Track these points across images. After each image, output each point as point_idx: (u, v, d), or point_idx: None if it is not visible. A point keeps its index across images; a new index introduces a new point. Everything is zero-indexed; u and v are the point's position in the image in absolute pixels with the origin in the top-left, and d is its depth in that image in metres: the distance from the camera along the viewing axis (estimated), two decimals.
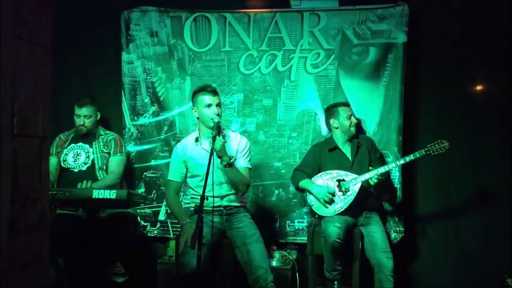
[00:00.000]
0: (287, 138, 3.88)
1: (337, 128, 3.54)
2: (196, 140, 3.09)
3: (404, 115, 3.72)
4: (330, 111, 3.59)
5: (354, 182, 3.33)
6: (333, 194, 3.32)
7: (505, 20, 3.65)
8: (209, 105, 2.97)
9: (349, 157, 3.48)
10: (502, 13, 3.66)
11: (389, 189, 3.67)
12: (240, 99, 3.92)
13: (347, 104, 3.59)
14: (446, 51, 3.77)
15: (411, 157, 3.28)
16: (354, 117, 3.54)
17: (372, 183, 3.29)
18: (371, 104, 3.77)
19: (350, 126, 3.49)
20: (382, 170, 3.30)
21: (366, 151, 3.49)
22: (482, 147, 3.75)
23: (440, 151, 3.23)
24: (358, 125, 3.66)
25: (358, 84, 3.79)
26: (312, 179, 3.45)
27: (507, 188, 3.71)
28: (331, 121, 3.56)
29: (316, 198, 3.36)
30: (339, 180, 3.38)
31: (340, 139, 3.53)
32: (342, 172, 3.40)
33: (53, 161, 3.50)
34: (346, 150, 3.52)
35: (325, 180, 3.42)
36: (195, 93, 3.07)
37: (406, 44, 3.68)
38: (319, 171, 3.47)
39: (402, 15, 3.67)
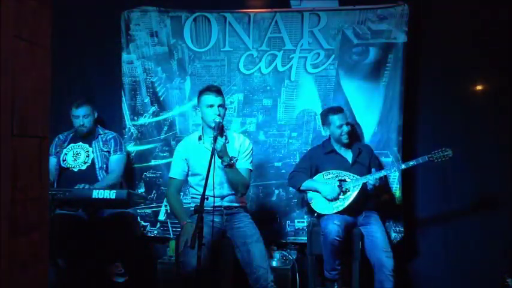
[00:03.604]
0: (287, 138, 3.88)
1: (329, 135, 3.54)
2: (199, 138, 3.10)
3: (404, 115, 3.72)
4: (322, 118, 3.58)
5: (355, 183, 3.33)
6: (339, 193, 3.34)
7: (505, 19, 3.65)
8: (211, 105, 2.97)
9: (349, 160, 3.48)
10: (502, 13, 3.66)
11: (388, 191, 3.68)
12: (240, 99, 3.92)
13: (339, 111, 3.48)
14: (446, 51, 3.78)
15: (414, 162, 3.29)
16: (346, 125, 3.44)
17: (372, 185, 3.28)
18: (371, 104, 3.77)
19: (340, 135, 3.44)
20: (384, 172, 3.31)
21: (366, 157, 3.49)
22: (482, 147, 3.75)
23: (443, 159, 3.23)
24: (354, 130, 3.65)
25: (358, 84, 3.79)
26: (314, 178, 3.47)
27: (507, 188, 3.71)
28: (324, 128, 3.56)
29: (324, 196, 3.36)
30: (340, 180, 3.38)
31: (335, 144, 3.53)
32: (343, 173, 3.41)
33: (52, 161, 3.49)
34: (345, 153, 3.51)
35: (326, 180, 3.42)
36: (200, 93, 3.07)
37: (406, 44, 3.68)
38: (315, 173, 3.49)
39: (402, 15, 3.67)
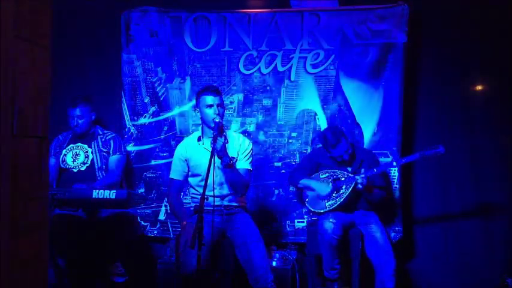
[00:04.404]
0: (287, 138, 3.89)
1: None
2: (199, 139, 3.10)
3: (404, 115, 3.72)
4: (322, 143, 3.52)
5: (348, 181, 3.34)
6: (332, 191, 3.36)
7: (505, 19, 3.65)
8: (210, 106, 2.97)
9: (349, 168, 3.47)
10: (501, 13, 3.66)
11: (386, 191, 3.67)
12: (240, 99, 3.92)
13: (337, 142, 3.33)
14: (446, 51, 3.78)
15: (405, 160, 3.31)
16: (346, 153, 3.37)
17: (360, 184, 3.27)
18: (371, 104, 3.77)
19: (341, 160, 3.43)
20: (375, 171, 3.32)
21: (367, 165, 3.48)
22: (481, 147, 3.75)
23: (435, 155, 3.23)
24: (354, 151, 3.59)
25: (358, 84, 3.79)
26: (312, 176, 3.49)
27: (507, 188, 3.71)
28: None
29: (318, 194, 3.39)
30: (334, 179, 3.40)
31: None
32: (338, 171, 3.42)
33: (51, 161, 3.49)
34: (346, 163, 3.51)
35: (322, 178, 3.44)
36: (198, 94, 3.08)
37: (406, 44, 3.68)
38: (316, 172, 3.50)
39: (402, 15, 3.67)
